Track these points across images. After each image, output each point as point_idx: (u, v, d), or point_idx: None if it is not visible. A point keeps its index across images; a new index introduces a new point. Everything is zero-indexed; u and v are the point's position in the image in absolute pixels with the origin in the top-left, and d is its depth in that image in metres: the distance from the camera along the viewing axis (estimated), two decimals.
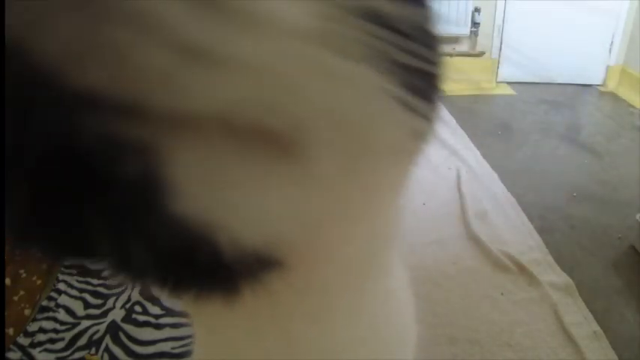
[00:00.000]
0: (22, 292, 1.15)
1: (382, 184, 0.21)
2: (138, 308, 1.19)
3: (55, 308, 1.18)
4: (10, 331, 1.09)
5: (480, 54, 2.70)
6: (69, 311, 1.18)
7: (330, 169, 0.16)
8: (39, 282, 1.22)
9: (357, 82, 0.16)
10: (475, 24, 2.58)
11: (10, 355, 1.05)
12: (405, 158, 0.22)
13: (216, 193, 0.15)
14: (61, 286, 1.23)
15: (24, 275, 1.17)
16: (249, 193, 0.16)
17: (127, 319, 1.16)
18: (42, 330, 1.12)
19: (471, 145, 2.00)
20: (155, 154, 0.14)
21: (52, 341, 1.10)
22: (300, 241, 0.18)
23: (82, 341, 1.10)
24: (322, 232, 0.19)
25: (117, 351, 1.08)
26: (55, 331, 1.12)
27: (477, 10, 2.55)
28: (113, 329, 1.13)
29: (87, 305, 1.20)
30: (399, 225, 0.27)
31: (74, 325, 1.14)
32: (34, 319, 1.15)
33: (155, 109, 0.13)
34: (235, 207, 0.16)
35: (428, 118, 0.20)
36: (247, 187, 0.15)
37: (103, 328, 1.13)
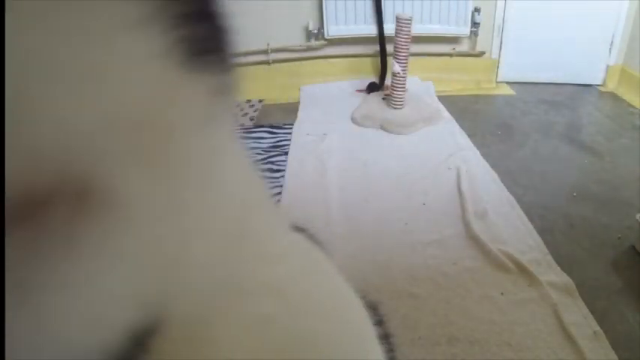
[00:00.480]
0: None
1: (202, 159, 0.17)
2: None
3: None
4: None
5: (480, 54, 2.70)
6: None
7: (146, 187, 0.13)
8: None
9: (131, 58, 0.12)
10: (475, 24, 2.58)
11: None
12: (217, 118, 0.18)
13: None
14: None
15: None
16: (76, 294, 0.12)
17: None
18: None
19: (471, 145, 2.00)
20: None
21: None
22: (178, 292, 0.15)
23: None
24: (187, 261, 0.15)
25: None
26: None
27: (476, 10, 2.55)
28: None
29: None
30: (265, 202, 0.23)
31: None
32: None
33: None
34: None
35: (222, 71, 0.17)
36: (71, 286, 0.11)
37: None
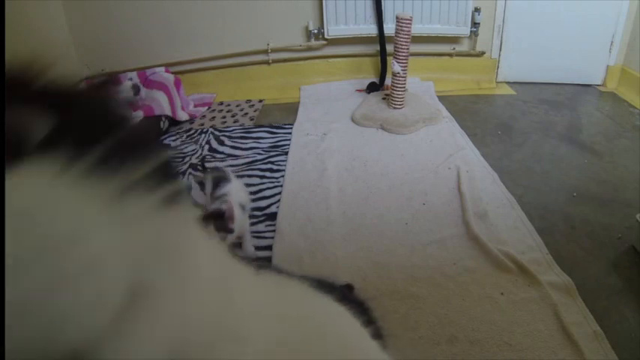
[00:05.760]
0: None
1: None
2: None
3: None
4: None
5: (480, 54, 2.70)
6: None
7: None
8: None
9: None
10: (475, 24, 2.59)
11: None
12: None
13: None
14: None
15: None
16: None
17: None
18: None
19: (471, 145, 2.00)
20: None
21: None
22: None
23: None
24: None
25: None
26: None
27: (476, 10, 2.55)
28: None
29: None
30: None
31: None
32: None
33: None
34: None
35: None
36: None
37: None
